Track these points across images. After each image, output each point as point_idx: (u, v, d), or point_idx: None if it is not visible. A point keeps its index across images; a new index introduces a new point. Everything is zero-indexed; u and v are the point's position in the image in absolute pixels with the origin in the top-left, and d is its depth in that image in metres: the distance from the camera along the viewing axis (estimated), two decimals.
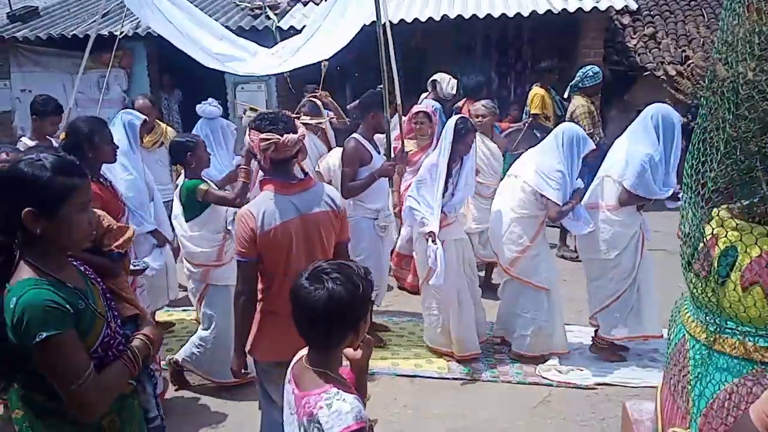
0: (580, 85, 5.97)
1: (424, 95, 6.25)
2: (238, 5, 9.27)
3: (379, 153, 4.27)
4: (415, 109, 5.29)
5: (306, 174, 2.79)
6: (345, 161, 4.15)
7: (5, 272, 1.57)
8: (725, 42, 2.12)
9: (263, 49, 5.01)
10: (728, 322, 2.10)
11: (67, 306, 1.56)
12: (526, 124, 6.39)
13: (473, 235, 4.95)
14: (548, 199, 3.81)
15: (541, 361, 4.01)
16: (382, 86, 4.31)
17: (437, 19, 7.89)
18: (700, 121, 2.21)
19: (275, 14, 8.51)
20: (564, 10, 7.72)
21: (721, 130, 2.06)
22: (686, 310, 2.34)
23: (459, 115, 4.27)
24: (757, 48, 1.97)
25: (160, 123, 5.60)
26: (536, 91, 6.54)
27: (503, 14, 7.74)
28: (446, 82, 6.13)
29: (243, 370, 2.62)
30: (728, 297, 2.09)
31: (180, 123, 8.72)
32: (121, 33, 8.71)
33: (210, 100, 5.45)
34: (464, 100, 6.09)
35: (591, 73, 5.92)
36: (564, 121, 5.64)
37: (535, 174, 3.87)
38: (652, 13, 9.49)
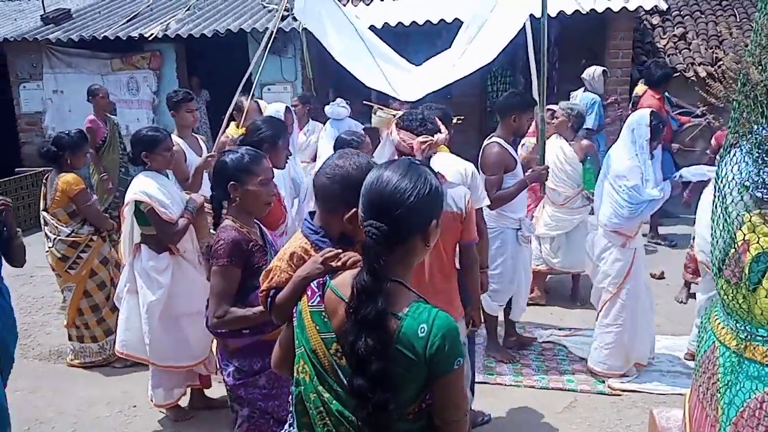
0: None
1: (578, 91, 6.34)
2: (265, 7, 9.36)
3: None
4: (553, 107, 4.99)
5: (437, 173, 2.86)
6: (489, 168, 3.78)
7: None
8: (759, 44, 2.08)
9: (414, 67, 4.70)
10: (759, 330, 2.06)
11: None
12: (707, 120, 6.35)
13: (544, 241, 4.87)
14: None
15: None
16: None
17: (449, 21, 7.87)
18: (732, 125, 2.18)
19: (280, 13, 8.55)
20: (592, 10, 7.63)
21: (754, 134, 2.02)
22: (716, 317, 2.30)
23: (649, 109, 3.86)
24: None
25: None
26: (639, 89, 6.56)
27: (530, 14, 7.68)
28: (591, 76, 6.18)
29: None
30: (760, 304, 2.05)
31: (208, 123, 8.85)
32: (150, 36, 8.90)
33: (339, 100, 5.53)
34: (645, 89, 6.15)
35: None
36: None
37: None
38: (682, 13, 9.32)
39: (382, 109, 5.27)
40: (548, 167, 3.92)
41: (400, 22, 8.03)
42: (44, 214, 4.12)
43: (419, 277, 2.67)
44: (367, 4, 8.98)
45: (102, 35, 9.02)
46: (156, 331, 3.39)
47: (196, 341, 3.49)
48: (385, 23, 8.07)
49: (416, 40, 8.03)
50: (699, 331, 2.46)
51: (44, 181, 4.19)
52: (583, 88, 6.34)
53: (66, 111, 9.55)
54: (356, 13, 7.32)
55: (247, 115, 4.73)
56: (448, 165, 3.12)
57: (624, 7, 7.61)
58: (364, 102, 5.72)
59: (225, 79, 8.36)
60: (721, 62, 7.79)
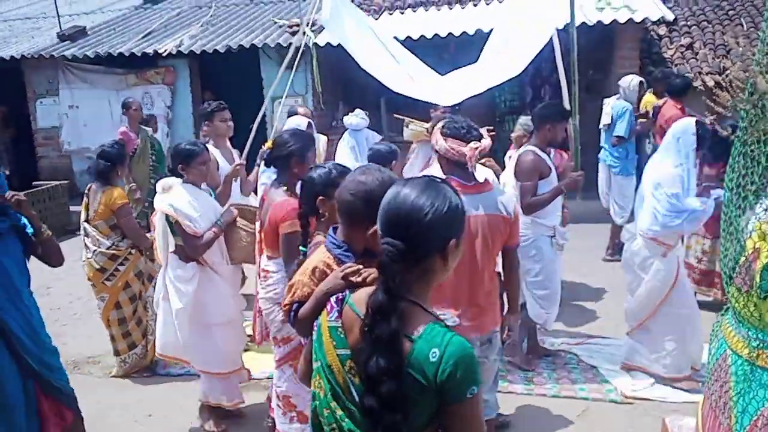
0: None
1: (612, 98, 6.42)
2: (276, 23, 9.50)
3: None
4: None
5: (485, 179, 2.94)
6: (523, 174, 3.82)
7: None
8: (766, 53, 2.11)
9: (440, 76, 4.74)
10: None
11: None
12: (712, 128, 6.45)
13: None
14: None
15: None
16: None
17: (471, 33, 7.97)
18: (740, 134, 2.20)
19: (312, 31, 8.69)
20: (599, 22, 7.69)
21: (763, 143, 2.05)
22: (728, 325, 2.31)
23: (693, 119, 3.83)
24: None
25: None
26: (648, 99, 6.63)
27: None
28: (627, 84, 6.28)
29: None
30: None
31: None
32: (164, 51, 9.05)
33: (357, 111, 5.61)
34: (665, 100, 6.24)
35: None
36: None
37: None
38: (688, 23, 9.36)
39: (413, 121, 5.32)
40: (584, 173, 3.92)
41: (408, 36, 8.12)
42: (86, 225, 4.18)
43: (475, 279, 2.71)
44: (377, 18, 9.11)
45: (117, 51, 9.19)
46: (188, 337, 3.46)
47: (229, 350, 3.55)
48: (394, 37, 8.17)
49: (422, 54, 8.11)
50: (710, 339, 2.47)
51: (86, 192, 4.24)
52: (617, 96, 6.39)
53: (81, 126, 9.72)
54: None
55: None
56: (486, 172, 3.16)
57: (630, 19, 7.67)
58: (395, 115, 5.78)
59: (237, 93, 8.49)
60: (729, 71, 7.82)
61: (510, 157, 4.94)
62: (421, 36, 8.17)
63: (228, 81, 9.54)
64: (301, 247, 2.39)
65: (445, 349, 1.31)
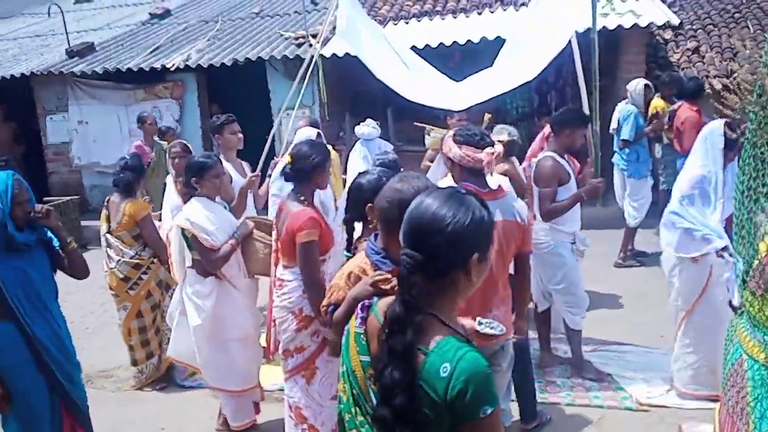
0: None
1: (621, 103, 6.48)
2: (282, 35, 9.57)
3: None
4: None
5: (499, 185, 2.99)
6: (543, 181, 3.80)
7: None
8: None
9: (454, 82, 4.74)
10: None
11: None
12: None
13: None
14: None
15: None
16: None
17: (476, 41, 7.99)
18: (750, 136, 2.20)
19: (318, 43, 8.75)
20: (604, 27, 7.69)
21: None
22: (743, 329, 2.29)
23: (723, 120, 3.71)
24: None
25: None
26: (656, 103, 6.64)
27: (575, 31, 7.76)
28: (633, 87, 6.34)
29: None
30: None
31: None
32: (172, 66, 9.13)
33: (368, 121, 5.65)
34: (680, 103, 6.30)
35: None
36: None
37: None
38: (694, 27, 9.34)
39: (434, 129, 5.33)
40: (603, 179, 3.89)
41: (414, 46, 8.15)
42: (108, 236, 4.23)
43: (489, 286, 2.71)
44: (407, 23, 9.19)
45: (125, 67, 9.28)
46: (206, 353, 3.43)
47: (245, 366, 3.50)
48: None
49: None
50: (725, 344, 2.44)
51: (105, 204, 4.30)
52: (625, 100, 6.42)
53: (91, 141, 9.80)
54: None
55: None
56: (500, 179, 3.16)
57: (635, 24, 7.66)
58: (416, 123, 5.82)
59: (244, 106, 8.54)
60: (736, 74, 7.78)
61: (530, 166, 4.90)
62: (426, 45, 8.20)
63: (235, 94, 9.61)
64: (345, 252, 2.41)
65: (456, 364, 1.26)
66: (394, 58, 4.70)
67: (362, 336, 1.47)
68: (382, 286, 1.62)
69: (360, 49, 4.60)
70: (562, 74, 9.06)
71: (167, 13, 12.31)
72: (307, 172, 2.97)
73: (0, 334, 2.66)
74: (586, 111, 4.15)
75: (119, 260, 4.18)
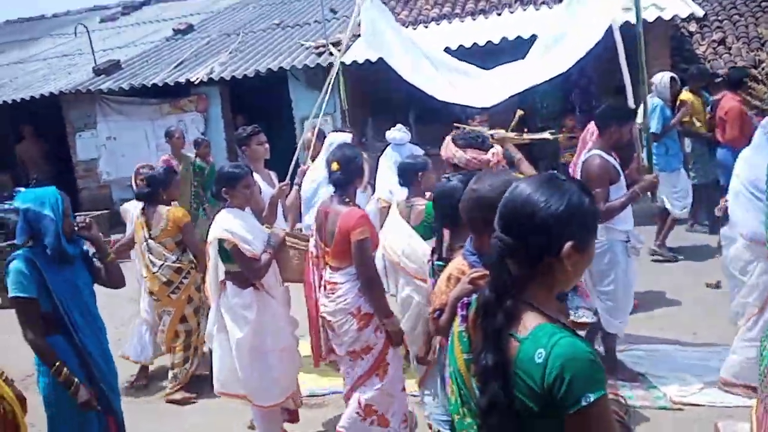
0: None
1: (648, 96, 6.42)
2: (302, 45, 9.67)
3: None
4: None
5: None
6: (595, 181, 3.61)
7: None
8: None
9: (483, 72, 4.64)
10: None
11: None
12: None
13: None
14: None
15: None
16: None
17: (496, 41, 7.97)
18: None
19: (338, 50, 8.83)
20: (627, 21, 7.58)
21: None
22: None
23: None
24: None
25: None
26: (684, 96, 6.54)
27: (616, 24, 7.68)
28: (658, 80, 6.30)
29: None
30: None
31: None
32: (196, 80, 9.29)
33: (399, 126, 5.69)
34: (723, 93, 6.27)
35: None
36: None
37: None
38: (719, 18, 9.17)
39: (474, 129, 5.34)
40: (658, 175, 3.79)
41: (447, 47, 8.11)
42: (150, 242, 4.33)
43: None
44: (426, 26, 9.21)
45: (151, 82, 9.49)
46: (247, 368, 3.33)
47: (284, 377, 3.42)
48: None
49: None
50: (761, 341, 2.39)
51: (142, 211, 4.42)
52: (651, 94, 6.34)
53: (120, 156, 10.01)
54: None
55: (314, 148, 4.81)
56: None
57: (659, 17, 7.55)
58: (455, 124, 5.86)
59: (268, 115, 8.65)
60: (764, 64, 7.62)
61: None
62: (447, 48, 8.19)
63: (258, 104, 9.73)
64: (437, 262, 2.44)
65: (551, 350, 1.21)
66: (422, 60, 4.67)
67: (464, 333, 1.45)
68: (480, 282, 1.61)
69: (386, 52, 4.58)
70: (586, 72, 8.96)
71: (190, 28, 12.54)
72: (356, 174, 3.04)
73: (54, 348, 2.69)
74: (631, 105, 4.00)
75: (162, 264, 4.28)
